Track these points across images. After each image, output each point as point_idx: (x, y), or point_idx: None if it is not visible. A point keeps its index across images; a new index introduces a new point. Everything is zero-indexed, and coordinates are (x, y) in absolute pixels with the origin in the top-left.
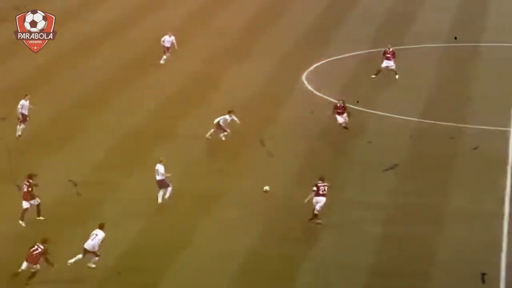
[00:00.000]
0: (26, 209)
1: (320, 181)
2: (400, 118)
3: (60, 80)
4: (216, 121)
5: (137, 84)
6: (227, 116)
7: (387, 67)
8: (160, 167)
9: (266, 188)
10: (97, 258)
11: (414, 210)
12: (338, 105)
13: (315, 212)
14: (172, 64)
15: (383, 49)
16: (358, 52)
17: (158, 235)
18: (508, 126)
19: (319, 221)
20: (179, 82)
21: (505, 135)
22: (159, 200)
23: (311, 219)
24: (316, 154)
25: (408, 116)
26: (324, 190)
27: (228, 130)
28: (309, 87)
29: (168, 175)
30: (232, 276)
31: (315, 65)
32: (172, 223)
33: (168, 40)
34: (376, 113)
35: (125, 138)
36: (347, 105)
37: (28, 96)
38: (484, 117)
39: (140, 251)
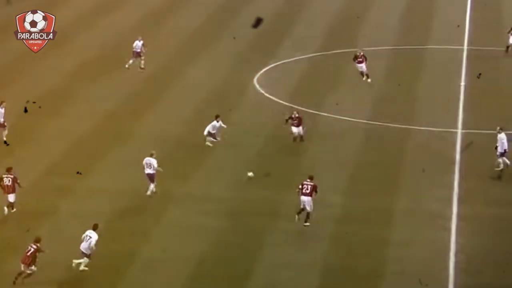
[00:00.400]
0: (13, 202)
1: (308, 180)
2: (349, 120)
3: (14, 84)
4: (206, 130)
5: (91, 87)
6: (214, 122)
7: (361, 71)
8: (152, 161)
9: (250, 174)
10: (87, 260)
11: (365, 210)
12: (293, 116)
13: (307, 212)
14: (125, 66)
15: (354, 54)
16: (309, 55)
17: (114, 237)
18: (455, 127)
19: (307, 224)
20: (133, 84)
21: (452, 136)
22: (148, 193)
23: (299, 213)
24: (268, 156)
25: (357, 118)
26: (307, 189)
27: (218, 138)
28: (261, 90)
29: (160, 169)
30: (186, 279)
31: (266, 68)
32: (128, 226)
33: (139, 45)
34: (326, 115)
35: (79, 142)
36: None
37: (4, 104)
38: (431, 118)
39: (97, 253)
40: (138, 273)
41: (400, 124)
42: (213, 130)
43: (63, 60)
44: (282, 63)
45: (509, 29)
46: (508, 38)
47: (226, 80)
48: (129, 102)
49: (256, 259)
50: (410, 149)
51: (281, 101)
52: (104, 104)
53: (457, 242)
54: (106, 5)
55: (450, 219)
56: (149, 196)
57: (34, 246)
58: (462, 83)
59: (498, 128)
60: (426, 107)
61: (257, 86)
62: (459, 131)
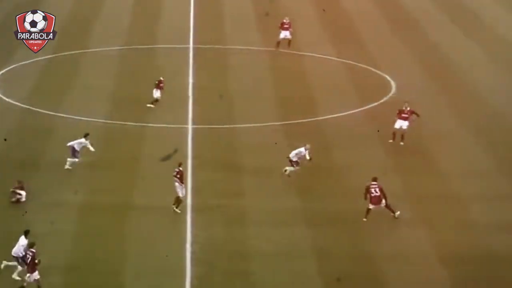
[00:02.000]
0: None
1: (179, 167)
2: (86, 120)
3: None
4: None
5: None
6: (83, 140)
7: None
8: None
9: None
10: (20, 268)
11: (105, 207)
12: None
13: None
14: None
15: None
16: (44, 57)
17: None
18: (186, 123)
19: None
20: None
21: (184, 132)
22: None
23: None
24: (9, 160)
25: (94, 118)
26: (178, 174)
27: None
28: None
29: None
30: None
31: (3, 70)
32: None
33: None
34: (63, 116)
35: None
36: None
37: None
38: (165, 115)
39: None
40: None
41: (136, 122)
42: (78, 147)
43: None
44: (20, 65)
45: (280, 24)
46: (279, 33)
47: None
48: None
49: None
50: (146, 146)
51: (19, 104)
52: None
53: (192, 233)
54: None
55: (185, 211)
56: None
57: (30, 253)
58: (191, 81)
59: (308, 145)
60: (159, 105)
61: None
62: (190, 126)
